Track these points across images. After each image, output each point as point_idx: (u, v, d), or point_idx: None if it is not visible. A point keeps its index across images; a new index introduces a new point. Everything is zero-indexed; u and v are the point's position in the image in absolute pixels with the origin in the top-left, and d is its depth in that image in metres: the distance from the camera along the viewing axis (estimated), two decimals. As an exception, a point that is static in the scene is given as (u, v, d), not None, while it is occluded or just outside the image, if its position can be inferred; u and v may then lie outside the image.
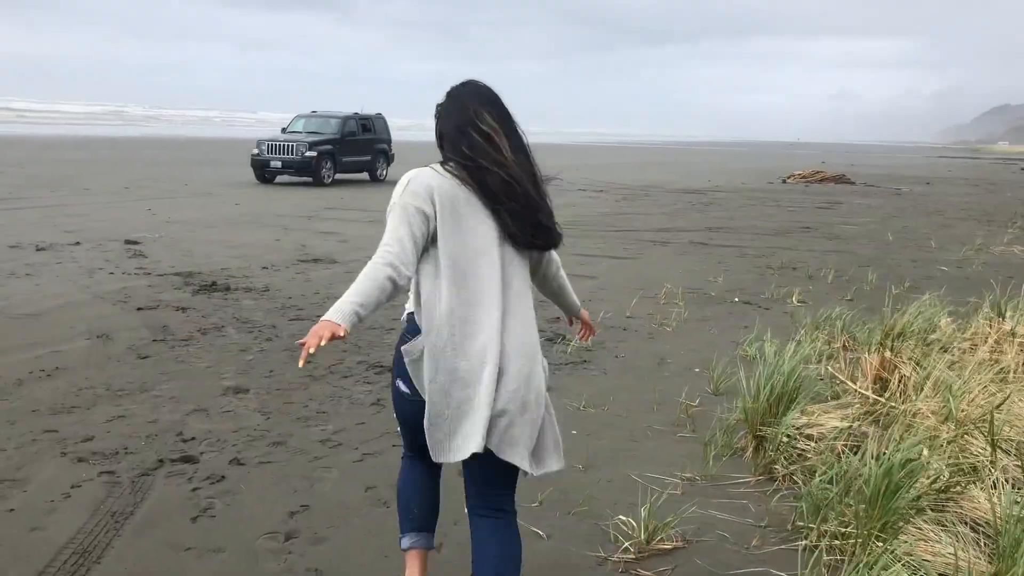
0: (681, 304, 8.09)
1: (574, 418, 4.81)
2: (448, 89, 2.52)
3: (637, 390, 5.39)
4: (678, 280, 9.39)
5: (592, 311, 7.33)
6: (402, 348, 2.49)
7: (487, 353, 2.34)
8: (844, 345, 6.08)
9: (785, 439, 4.11)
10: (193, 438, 4.35)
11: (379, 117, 25.03)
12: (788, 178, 32.23)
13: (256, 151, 22.20)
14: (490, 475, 2.48)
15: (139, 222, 13.14)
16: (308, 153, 21.73)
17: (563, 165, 30.10)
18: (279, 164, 21.89)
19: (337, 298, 2.26)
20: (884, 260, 11.31)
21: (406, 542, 2.80)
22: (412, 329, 2.47)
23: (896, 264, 11.00)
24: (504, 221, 2.42)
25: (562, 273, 2.81)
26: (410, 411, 2.52)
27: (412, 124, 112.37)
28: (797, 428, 4.19)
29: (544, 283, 2.79)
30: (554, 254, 2.71)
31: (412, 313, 2.49)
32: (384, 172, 25.03)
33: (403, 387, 2.52)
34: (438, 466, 2.68)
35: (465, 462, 2.42)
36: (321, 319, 2.19)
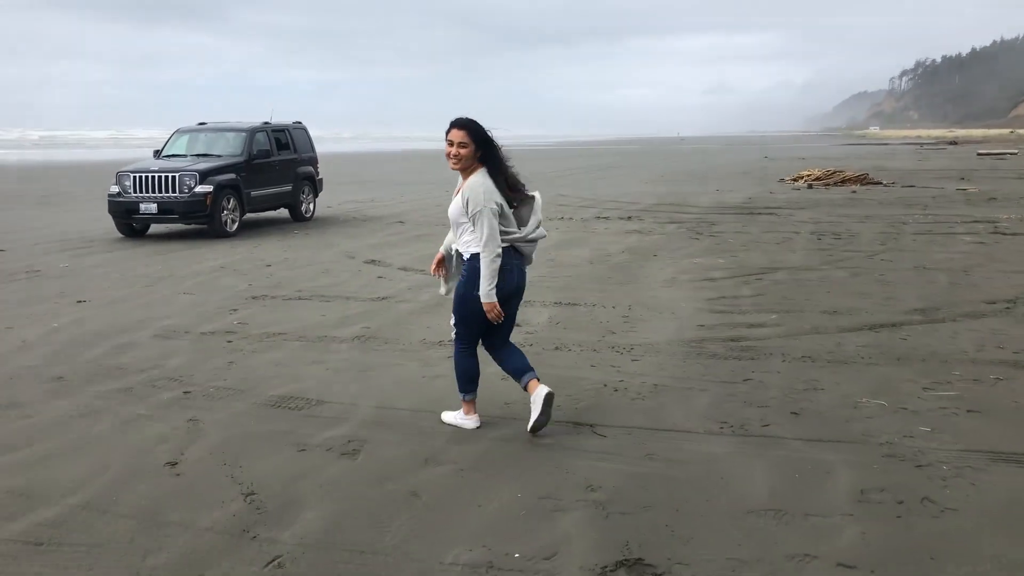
0: None
1: None
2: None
3: None
4: None
5: None
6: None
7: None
8: None
9: None
10: None
11: (299, 128, 17.07)
12: (799, 180, 26.29)
13: (116, 189, 14.12)
14: (508, 325, 4.80)
15: None
16: (199, 188, 13.87)
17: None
18: (153, 207, 13.89)
19: None
20: None
21: (468, 396, 4.85)
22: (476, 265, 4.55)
23: None
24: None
25: None
26: (480, 308, 4.51)
27: (326, 135, 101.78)
28: None
29: None
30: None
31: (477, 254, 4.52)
32: (311, 207, 17.17)
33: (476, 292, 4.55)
34: (476, 350, 4.83)
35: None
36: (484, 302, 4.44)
